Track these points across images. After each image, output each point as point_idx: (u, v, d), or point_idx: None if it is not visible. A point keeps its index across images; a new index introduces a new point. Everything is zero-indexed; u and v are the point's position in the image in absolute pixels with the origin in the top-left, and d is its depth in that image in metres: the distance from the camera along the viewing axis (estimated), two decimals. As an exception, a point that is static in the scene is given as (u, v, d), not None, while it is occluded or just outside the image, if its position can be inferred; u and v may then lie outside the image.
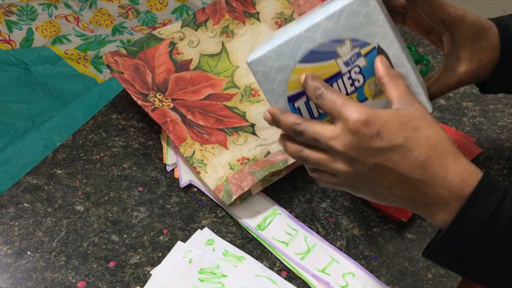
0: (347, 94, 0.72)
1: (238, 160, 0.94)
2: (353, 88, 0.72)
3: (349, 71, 0.71)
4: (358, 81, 0.72)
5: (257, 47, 0.74)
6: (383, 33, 0.70)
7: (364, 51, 0.70)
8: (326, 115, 0.72)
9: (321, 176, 0.71)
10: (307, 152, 0.70)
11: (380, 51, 0.70)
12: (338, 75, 0.71)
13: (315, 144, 0.68)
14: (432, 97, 0.80)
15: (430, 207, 0.65)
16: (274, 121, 0.72)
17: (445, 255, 0.66)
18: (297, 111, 0.73)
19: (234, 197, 0.89)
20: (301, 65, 0.71)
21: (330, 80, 0.71)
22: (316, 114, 0.73)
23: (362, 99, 0.72)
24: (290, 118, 0.70)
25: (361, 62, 0.71)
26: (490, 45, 0.79)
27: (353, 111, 0.65)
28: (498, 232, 0.62)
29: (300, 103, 0.73)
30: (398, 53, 0.71)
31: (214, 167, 0.93)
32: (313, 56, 0.70)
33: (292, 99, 0.73)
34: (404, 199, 0.66)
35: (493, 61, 0.80)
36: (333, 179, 0.69)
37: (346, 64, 0.71)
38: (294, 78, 0.72)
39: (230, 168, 0.93)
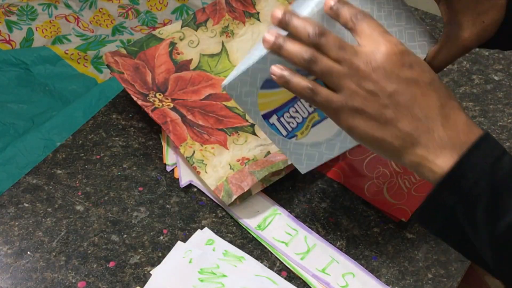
0: (309, 113, 0.77)
1: (238, 160, 0.94)
2: (312, 108, 0.77)
3: None
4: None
5: (235, 68, 0.80)
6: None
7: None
8: (301, 127, 0.78)
9: (320, 90, 0.64)
10: (320, 55, 0.64)
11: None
12: (296, 99, 0.77)
13: (336, 50, 0.63)
14: (437, 69, 0.77)
15: (432, 150, 0.62)
16: (283, 21, 0.65)
17: (442, 208, 0.62)
18: (273, 126, 0.79)
19: (234, 197, 0.89)
20: (262, 90, 0.77)
21: (290, 103, 0.77)
22: (289, 129, 0.79)
23: (322, 118, 0.77)
24: (307, 24, 0.64)
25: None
26: (494, 4, 0.74)
27: (394, 40, 0.63)
28: (495, 184, 0.59)
29: (273, 120, 0.79)
30: None
31: (214, 167, 0.93)
32: (270, 83, 0.75)
33: (266, 116, 0.79)
34: (405, 137, 0.62)
35: (499, 19, 0.75)
36: (334, 97, 0.64)
37: None
38: (262, 101, 0.78)
39: (230, 168, 0.93)
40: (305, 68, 0.64)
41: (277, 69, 0.66)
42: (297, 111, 0.78)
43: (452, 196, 0.60)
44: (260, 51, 0.74)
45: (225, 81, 0.79)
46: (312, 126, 0.78)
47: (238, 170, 0.92)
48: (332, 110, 0.64)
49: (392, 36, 0.64)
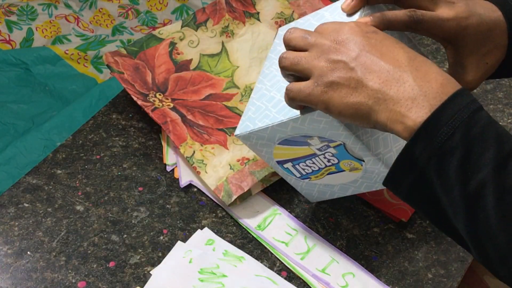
0: (326, 166, 0.79)
1: (238, 160, 0.94)
2: (329, 164, 0.79)
3: (323, 154, 0.78)
4: (333, 160, 0.78)
5: (244, 113, 0.82)
6: (346, 135, 0.73)
7: (332, 144, 0.75)
8: (316, 173, 0.80)
9: (295, 86, 0.67)
10: (288, 52, 0.68)
11: (346, 146, 0.75)
12: (314, 155, 0.79)
13: (302, 40, 0.67)
14: None
15: (403, 103, 0.60)
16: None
17: (414, 165, 0.60)
18: (287, 170, 0.83)
19: (234, 197, 0.89)
20: (280, 145, 0.79)
21: (308, 158, 0.79)
22: (304, 173, 0.82)
23: (339, 170, 0.79)
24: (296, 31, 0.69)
25: (332, 150, 0.76)
26: (497, 45, 0.75)
27: (354, 21, 0.67)
28: (470, 138, 0.58)
29: (288, 166, 0.82)
30: (363, 148, 0.74)
31: (214, 167, 0.93)
32: (288, 141, 0.78)
33: (280, 162, 0.83)
34: (376, 94, 0.62)
35: (501, 58, 0.77)
36: (308, 83, 0.65)
37: (319, 150, 0.77)
38: (278, 152, 0.80)
39: (230, 168, 0.93)
40: (281, 69, 0.68)
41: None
42: (314, 163, 0.80)
43: (425, 151, 0.58)
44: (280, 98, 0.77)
45: (238, 130, 0.81)
46: (327, 174, 0.81)
47: (238, 170, 0.92)
48: (307, 97, 0.65)
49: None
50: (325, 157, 0.78)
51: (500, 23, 0.75)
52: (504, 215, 0.56)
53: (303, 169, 0.82)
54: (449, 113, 0.58)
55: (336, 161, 0.78)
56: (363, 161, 0.76)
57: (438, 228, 0.65)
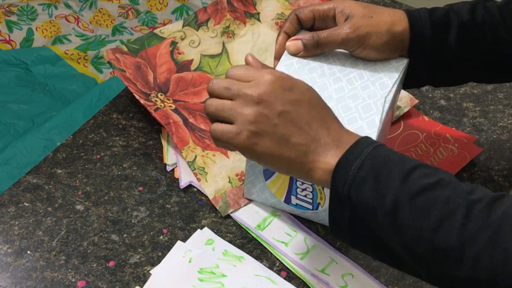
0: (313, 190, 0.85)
1: (237, 175, 0.94)
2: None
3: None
4: None
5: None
6: None
7: None
8: (316, 194, 0.86)
9: (219, 127, 0.73)
10: (211, 99, 0.74)
11: None
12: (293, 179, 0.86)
13: (225, 90, 0.73)
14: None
15: (321, 154, 0.70)
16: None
17: (342, 196, 0.68)
18: (298, 206, 0.89)
19: (231, 210, 0.90)
20: (268, 181, 0.87)
21: (294, 179, 0.85)
22: (310, 201, 0.87)
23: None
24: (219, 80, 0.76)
25: None
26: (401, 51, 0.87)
27: (269, 70, 0.74)
28: (376, 166, 0.67)
29: (294, 200, 0.88)
30: None
31: (214, 176, 0.93)
32: (268, 173, 0.86)
33: (287, 201, 0.89)
34: (298, 148, 0.70)
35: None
36: (233, 128, 0.71)
37: None
38: (274, 189, 0.88)
39: (229, 182, 0.93)
40: (207, 115, 0.75)
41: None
42: (303, 183, 0.85)
43: (345, 185, 0.67)
44: None
45: (245, 195, 0.91)
46: (323, 189, 0.85)
47: (236, 186, 0.93)
48: (231, 140, 0.72)
49: (265, 68, 0.76)
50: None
51: (403, 37, 0.85)
52: (418, 217, 0.64)
53: (305, 196, 0.86)
54: (356, 151, 0.68)
55: None
56: None
57: (389, 265, 0.73)
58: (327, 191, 0.84)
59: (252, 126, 0.70)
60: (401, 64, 0.85)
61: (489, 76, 0.92)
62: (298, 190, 0.86)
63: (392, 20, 0.84)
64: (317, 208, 0.87)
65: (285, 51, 0.86)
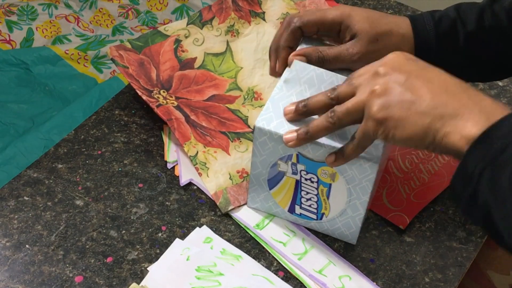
0: (316, 188, 0.83)
1: (238, 172, 0.94)
2: (316, 184, 0.83)
3: (301, 176, 0.83)
4: (312, 178, 0.82)
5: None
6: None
7: (293, 159, 0.81)
8: (321, 204, 0.85)
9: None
10: (336, 106, 0.72)
11: (301, 154, 0.80)
12: (299, 183, 0.84)
13: (349, 88, 0.72)
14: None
15: (461, 117, 0.64)
16: (299, 108, 0.76)
17: (471, 177, 0.62)
18: (302, 216, 0.88)
19: (231, 207, 0.90)
20: (272, 190, 0.87)
21: (298, 186, 0.84)
22: (315, 211, 0.86)
23: (327, 186, 0.82)
24: (319, 94, 0.75)
25: (300, 166, 0.82)
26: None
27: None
28: None
29: (298, 210, 0.88)
30: (314, 148, 0.79)
31: (216, 172, 0.93)
32: (272, 182, 0.85)
33: (291, 210, 0.89)
34: (433, 110, 0.65)
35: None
36: (364, 123, 0.69)
37: (294, 173, 0.83)
38: (278, 199, 0.87)
39: (230, 179, 0.93)
40: (336, 127, 0.73)
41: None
42: (307, 192, 0.84)
43: (480, 163, 0.61)
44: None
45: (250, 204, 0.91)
46: (328, 198, 0.84)
47: (237, 183, 0.93)
48: (357, 113, 0.70)
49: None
50: (305, 179, 0.83)
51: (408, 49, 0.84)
52: None
53: (310, 206, 0.86)
54: (503, 131, 0.61)
55: (315, 178, 0.82)
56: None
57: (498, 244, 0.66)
58: (331, 201, 0.84)
59: (382, 99, 0.68)
60: None
61: (497, 74, 0.92)
62: (303, 199, 0.86)
63: (397, 42, 0.83)
64: (321, 218, 0.87)
65: (288, 68, 0.85)
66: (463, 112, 0.64)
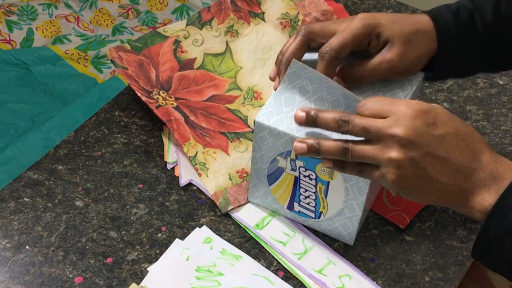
0: (315, 186, 0.83)
1: (238, 172, 0.94)
2: (314, 181, 0.83)
3: (299, 173, 0.83)
4: (311, 175, 0.82)
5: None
6: (291, 139, 0.79)
7: (292, 156, 0.81)
8: (319, 203, 0.85)
9: (365, 168, 0.71)
10: (351, 144, 0.70)
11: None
12: (297, 179, 0.84)
13: (363, 134, 0.69)
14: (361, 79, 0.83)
15: (471, 193, 0.67)
16: (309, 119, 0.73)
17: (493, 243, 0.66)
18: (301, 213, 0.88)
19: (231, 206, 0.90)
20: (272, 186, 0.87)
21: (297, 183, 0.84)
22: (313, 209, 0.86)
23: (326, 184, 0.82)
24: (332, 112, 0.72)
25: (299, 163, 0.82)
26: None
27: (408, 103, 0.68)
28: None
29: (297, 207, 0.88)
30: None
31: (215, 173, 0.93)
32: (272, 178, 0.86)
33: (290, 207, 0.89)
34: (447, 187, 0.67)
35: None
36: (376, 172, 0.69)
37: (293, 170, 0.83)
38: (278, 195, 0.88)
39: (229, 179, 0.93)
40: (342, 157, 0.71)
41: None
42: (306, 190, 0.85)
43: (499, 230, 0.65)
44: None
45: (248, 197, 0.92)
46: (326, 197, 0.84)
47: (236, 184, 0.93)
48: (379, 181, 0.70)
49: (401, 100, 0.69)
50: (304, 176, 0.83)
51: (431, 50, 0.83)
52: None
53: (308, 204, 0.86)
54: None
55: (314, 175, 0.82)
56: None
57: None
58: (329, 200, 0.84)
59: (399, 171, 0.67)
60: (416, 78, 0.85)
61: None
62: (301, 197, 0.86)
63: (425, 39, 0.82)
64: (319, 217, 0.87)
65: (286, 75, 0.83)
66: (478, 187, 0.67)
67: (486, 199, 0.66)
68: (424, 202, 0.71)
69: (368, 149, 0.68)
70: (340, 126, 0.70)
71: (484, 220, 0.66)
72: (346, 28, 0.80)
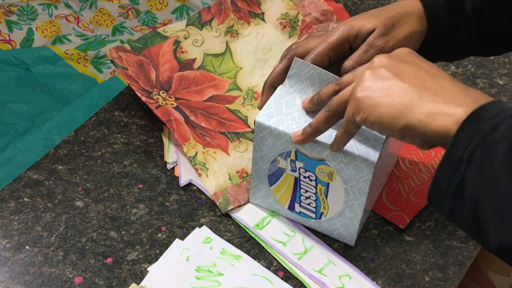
0: (315, 187, 0.83)
1: (238, 172, 0.94)
2: (314, 182, 0.83)
3: (299, 174, 0.83)
4: (311, 176, 0.82)
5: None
6: (291, 139, 0.80)
7: (292, 156, 0.81)
8: (320, 203, 0.85)
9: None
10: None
11: (299, 151, 0.80)
12: (298, 180, 0.84)
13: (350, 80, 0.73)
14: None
15: (445, 97, 0.63)
16: (315, 100, 0.78)
17: (462, 158, 0.58)
18: (302, 214, 0.88)
19: (231, 206, 0.90)
20: (273, 186, 0.87)
21: (297, 183, 0.84)
22: (313, 210, 0.86)
23: (326, 185, 0.82)
24: (330, 85, 0.77)
25: (299, 164, 0.82)
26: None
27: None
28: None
29: (298, 208, 0.88)
30: (312, 145, 0.79)
31: (215, 173, 0.93)
32: (272, 178, 0.86)
33: (291, 208, 0.89)
34: (413, 91, 0.65)
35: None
36: (351, 103, 0.69)
37: (293, 171, 0.83)
38: (279, 195, 0.88)
39: (229, 179, 0.93)
40: (333, 116, 0.74)
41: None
42: (306, 190, 0.85)
43: (468, 144, 0.58)
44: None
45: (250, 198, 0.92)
46: (326, 198, 0.84)
47: (236, 184, 0.93)
48: (347, 95, 0.71)
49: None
50: (304, 177, 0.83)
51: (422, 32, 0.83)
52: None
53: (309, 204, 0.86)
54: (492, 111, 0.58)
55: (314, 176, 0.82)
56: (325, 159, 0.79)
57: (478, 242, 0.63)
58: (330, 201, 0.84)
59: (370, 78, 0.68)
60: None
61: (506, 47, 0.90)
62: (302, 197, 0.86)
63: (412, 20, 0.83)
64: (320, 218, 0.87)
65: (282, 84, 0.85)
66: (447, 96, 0.62)
67: (458, 111, 0.60)
68: (381, 116, 0.66)
69: (347, 87, 0.72)
70: (336, 83, 0.75)
71: (455, 131, 0.59)
72: (323, 39, 0.83)
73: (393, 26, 0.81)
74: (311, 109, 0.80)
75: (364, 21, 0.82)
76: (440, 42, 0.84)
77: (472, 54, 0.91)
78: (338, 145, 0.76)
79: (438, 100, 0.62)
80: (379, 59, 0.70)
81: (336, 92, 0.74)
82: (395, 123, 0.65)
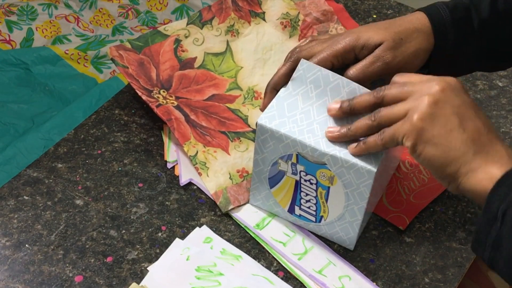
0: (315, 190, 0.83)
1: (238, 171, 0.94)
2: (315, 186, 0.83)
3: (300, 177, 0.83)
4: (312, 180, 0.82)
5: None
6: (292, 143, 0.80)
7: (293, 159, 0.81)
8: (320, 207, 0.85)
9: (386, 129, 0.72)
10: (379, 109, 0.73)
11: (301, 154, 0.80)
12: (298, 183, 0.84)
13: (396, 95, 0.72)
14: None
15: (489, 157, 0.67)
16: (346, 108, 0.77)
17: (498, 210, 0.64)
18: (301, 217, 0.88)
19: (231, 206, 0.90)
20: (273, 189, 0.87)
21: (297, 187, 0.84)
22: (313, 213, 0.86)
23: (326, 189, 0.82)
24: (365, 95, 0.76)
25: (300, 167, 0.82)
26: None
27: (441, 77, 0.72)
28: None
29: (298, 211, 0.88)
30: (313, 149, 0.79)
31: (215, 172, 0.93)
32: (273, 180, 0.86)
33: (291, 211, 0.89)
34: (472, 144, 0.67)
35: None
36: (405, 124, 0.70)
37: (294, 174, 0.83)
38: (279, 198, 0.88)
39: (230, 178, 0.93)
40: (376, 127, 0.74)
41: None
42: (307, 194, 0.84)
43: (501, 202, 0.63)
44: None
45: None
46: (327, 201, 0.84)
47: (237, 183, 0.93)
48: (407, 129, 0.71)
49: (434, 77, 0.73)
50: (305, 180, 0.83)
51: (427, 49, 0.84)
52: None
53: (309, 207, 0.86)
54: None
55: (314, 179, 0.82)
56: (326, 164, 0.79)
57: None
58: (330, 205, 0.84)
59: (434, 105, 0.69)
60: None
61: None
62: (302, 201, 0.86)
63: (420, 36, 0.83)
64: (320, 221, 0.86)
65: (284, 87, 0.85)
66: (495, 155, 0.67)
67: (496, 171, 0.66)
68: (437, 157, 0.69)
69: (401, 104, 0.71)
70: (378, 98, 0.74)
71: (490, 189, 0.65)
72: (328, 45, 0.83)
73: (401, 41, 0.81)
74: (338, 117, 0.79)
75: (372, 33, 0.82)
76: (446, 57, 0.85)
77: (477, 69, 0.91)
78: (363, 151, 0.75)
79: (488, 159, 0.67)
80: (440, 88, 0.69)
81: (374, 105, 0.74)
82: (444, 168, 0.69)
